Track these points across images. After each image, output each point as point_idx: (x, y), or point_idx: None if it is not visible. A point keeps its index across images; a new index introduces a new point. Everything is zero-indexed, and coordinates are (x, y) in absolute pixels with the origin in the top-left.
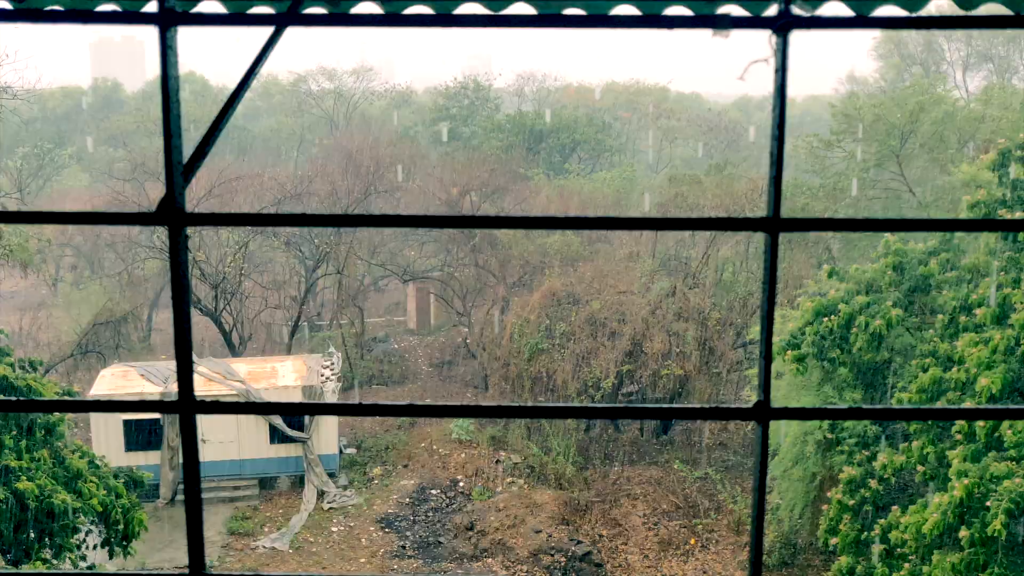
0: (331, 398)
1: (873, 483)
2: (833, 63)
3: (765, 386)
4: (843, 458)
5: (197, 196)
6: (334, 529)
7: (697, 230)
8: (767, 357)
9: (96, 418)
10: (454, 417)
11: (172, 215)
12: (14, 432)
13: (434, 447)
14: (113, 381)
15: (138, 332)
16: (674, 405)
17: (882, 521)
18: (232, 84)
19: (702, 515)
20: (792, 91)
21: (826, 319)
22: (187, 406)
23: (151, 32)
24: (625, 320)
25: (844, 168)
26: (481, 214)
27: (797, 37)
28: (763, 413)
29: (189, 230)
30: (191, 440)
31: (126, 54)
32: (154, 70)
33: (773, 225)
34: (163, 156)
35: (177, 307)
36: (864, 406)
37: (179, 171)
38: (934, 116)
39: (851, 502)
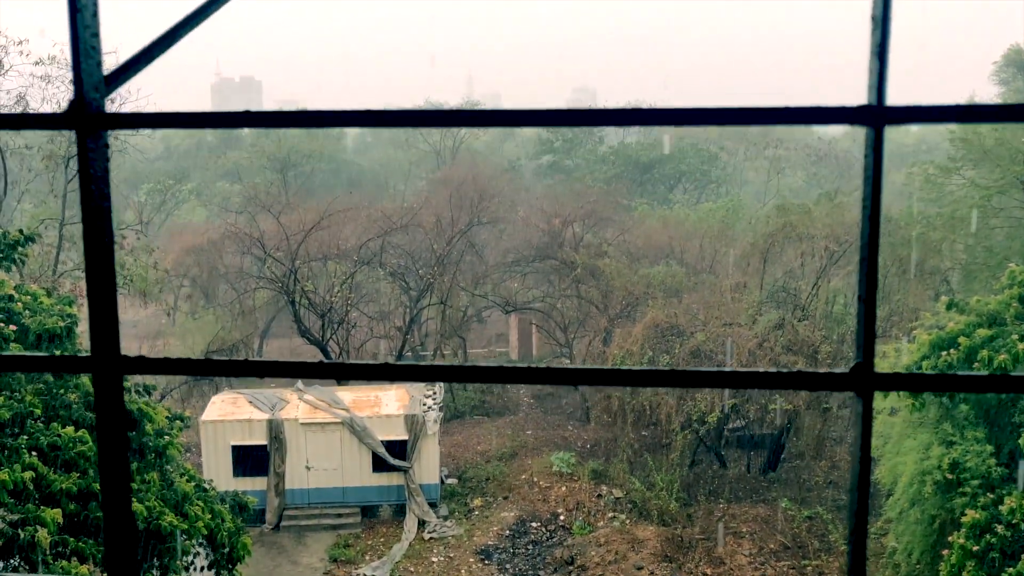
0: (432, 427)
1: (1000, 528)
2: (950, 90)
3: (866, 345)
4: (965, 500)
5: (304, 228)
6: (434, 559)
7: (784, 123)
8: (869, 303)
9: (207, 443)
10: (454, 382)
11: (82, 118)
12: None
13: (535, 479)
14: (223, 407)
15: None
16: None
17: (1011, 569)
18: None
19: (811, 556)
20: None
21: (944, 353)
22: (106, 363)
23: (268, 71)
24: (731, 353)
25: (963, 195)
26: (581, 242)
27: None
28: (863, 381)
29: (298, 260)
30: (111, 405)
31: (244, 92)
32: (268, 105)
33: (877, 116)
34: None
35: (90, 232)
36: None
37: (94, 63)
38: None
39: (975, 548)
